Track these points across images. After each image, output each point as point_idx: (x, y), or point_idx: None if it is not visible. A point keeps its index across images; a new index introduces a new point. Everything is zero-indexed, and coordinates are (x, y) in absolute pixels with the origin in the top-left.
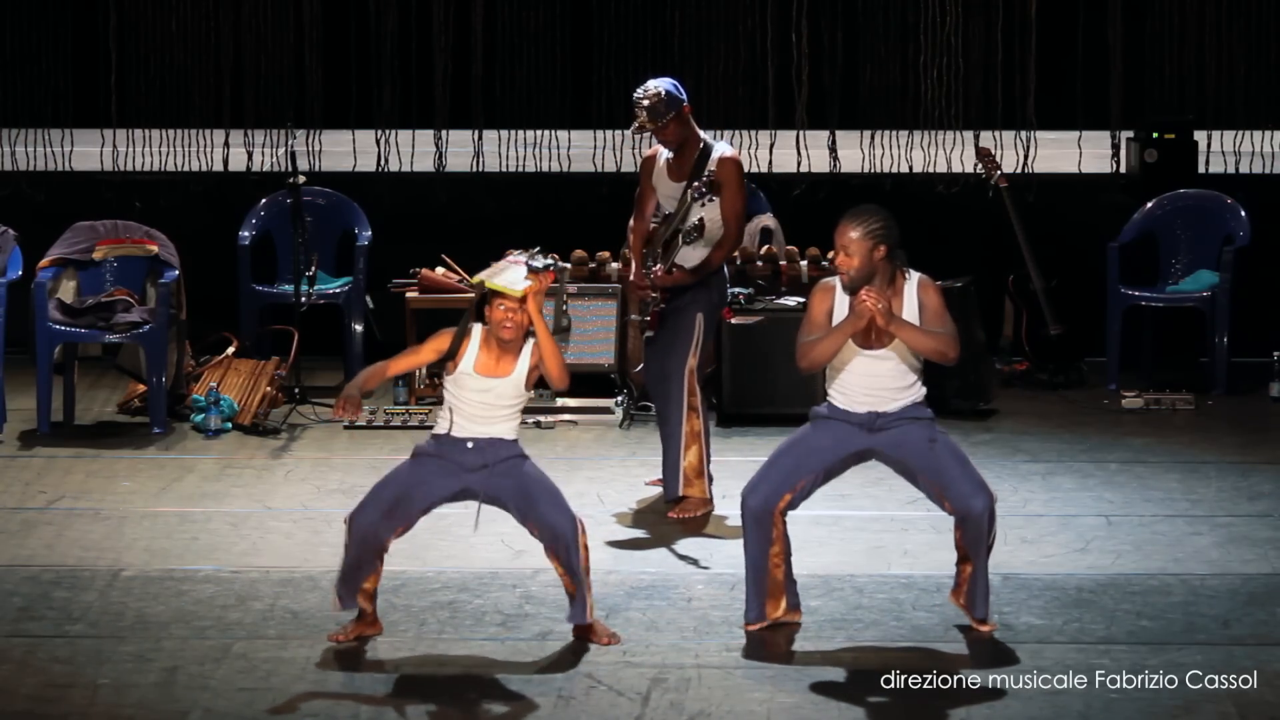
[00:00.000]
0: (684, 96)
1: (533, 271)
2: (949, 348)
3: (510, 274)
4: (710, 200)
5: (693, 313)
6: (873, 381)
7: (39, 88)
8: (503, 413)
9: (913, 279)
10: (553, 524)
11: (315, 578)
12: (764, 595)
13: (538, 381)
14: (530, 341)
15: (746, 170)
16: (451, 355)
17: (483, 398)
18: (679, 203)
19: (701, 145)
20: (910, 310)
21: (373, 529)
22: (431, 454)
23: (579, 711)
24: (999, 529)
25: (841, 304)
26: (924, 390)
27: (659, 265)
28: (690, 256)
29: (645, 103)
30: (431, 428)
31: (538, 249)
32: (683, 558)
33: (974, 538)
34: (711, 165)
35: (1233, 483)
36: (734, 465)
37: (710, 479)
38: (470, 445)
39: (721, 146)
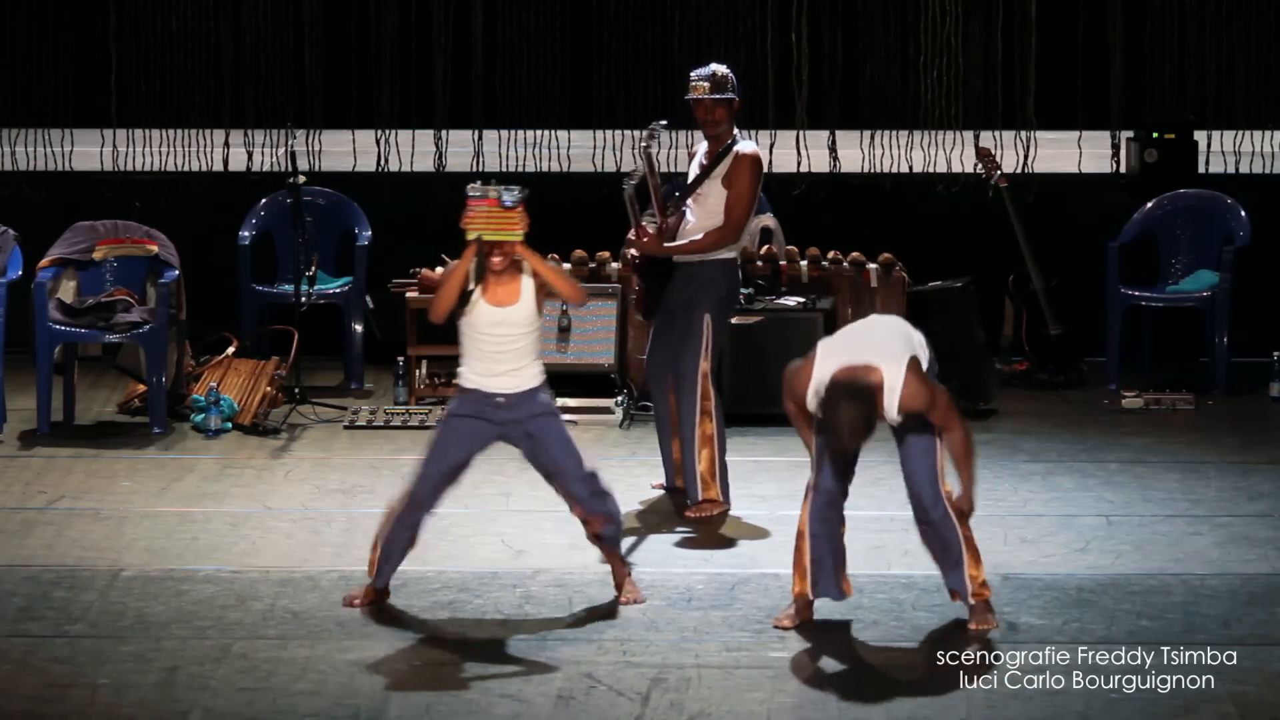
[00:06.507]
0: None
1: (509, 208)
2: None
3: (495, 218)
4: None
5: (700, 313)
6: None
7: (39, 88)
8: (520, 345)
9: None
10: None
11: (315, 578)
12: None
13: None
14: (524, 267)
15: None
16: (468, 294)
17: (497, 330)
18: (690, 186)
19: (729, 141)
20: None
21: (429, 503)
22: (464, 414)
23: (579, 711)
24: (998, 530)
25: None
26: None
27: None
28: (689, 231)
29: (713, 74)
30: (432, 428)
31: (494, 182)
32: (683, 558)
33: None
34: (729, 159)
35: (1233, 483)
36: (734, 465)
37: (726, 483)
38: (501, 400)
39: (744, 144)
